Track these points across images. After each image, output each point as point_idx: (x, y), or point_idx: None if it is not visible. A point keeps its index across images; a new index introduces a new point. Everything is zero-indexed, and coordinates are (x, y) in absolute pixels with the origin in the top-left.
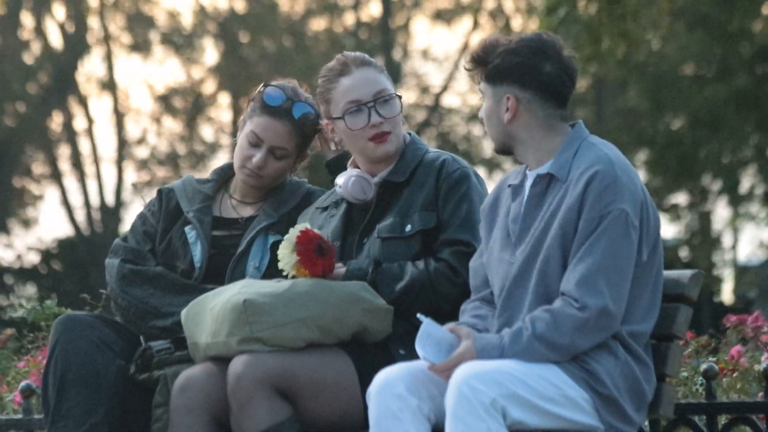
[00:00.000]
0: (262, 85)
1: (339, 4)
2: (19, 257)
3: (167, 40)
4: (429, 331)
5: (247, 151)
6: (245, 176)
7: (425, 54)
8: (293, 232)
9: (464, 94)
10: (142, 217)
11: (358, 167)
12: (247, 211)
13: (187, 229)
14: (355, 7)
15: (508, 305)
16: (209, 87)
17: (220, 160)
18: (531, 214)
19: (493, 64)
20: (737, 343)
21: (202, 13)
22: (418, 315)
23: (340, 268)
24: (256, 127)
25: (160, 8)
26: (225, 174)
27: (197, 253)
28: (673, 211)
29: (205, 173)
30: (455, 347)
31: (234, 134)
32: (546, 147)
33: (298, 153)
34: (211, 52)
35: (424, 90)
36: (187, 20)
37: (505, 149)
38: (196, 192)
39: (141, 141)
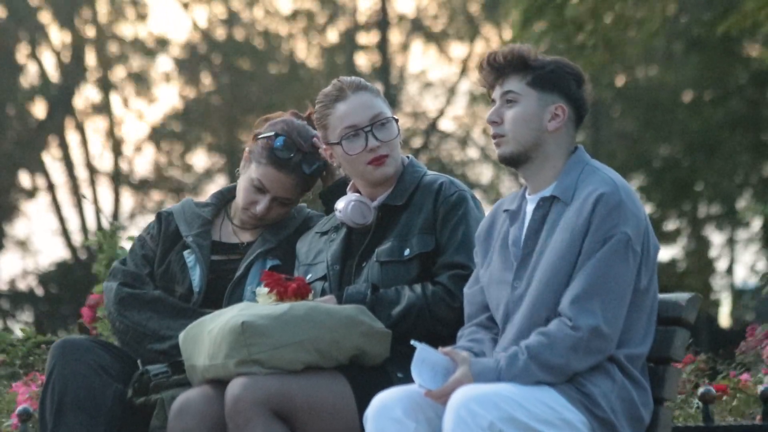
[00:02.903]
0: (269, 129)
1: (336, 29)
2: (14, 281)
3: (162, 66)
4: (424, 356)
5: (251, 196)
6: (247, 218)
7: (421, 79)
8: (258, 287)
9: (460, 118)
10: (141, 240)
11: (358, 191)
12: (246, 237)
13: (185, 253)
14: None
15: (513, 327)
16: (206, 113)
17: (216, 185)
18: (534, 237)
19: (546, 70)
20: (747, 360)
21: (200, 39)
22: (412, 341)
23: (328, 299)
24: (262, 176)
25: (155, 36)
26: (224, 198)
27: (196, 277)
28: (670, 235)
29: (203, 196)
30: (451, 371)
31: (232, 157)
32: (555, 167)
33: (301, 197)
34: (207, 79)
35: (419, 115)
36: (183, 47)
37: (521, 158)
38: (195, 216)
39: (138, 166)
